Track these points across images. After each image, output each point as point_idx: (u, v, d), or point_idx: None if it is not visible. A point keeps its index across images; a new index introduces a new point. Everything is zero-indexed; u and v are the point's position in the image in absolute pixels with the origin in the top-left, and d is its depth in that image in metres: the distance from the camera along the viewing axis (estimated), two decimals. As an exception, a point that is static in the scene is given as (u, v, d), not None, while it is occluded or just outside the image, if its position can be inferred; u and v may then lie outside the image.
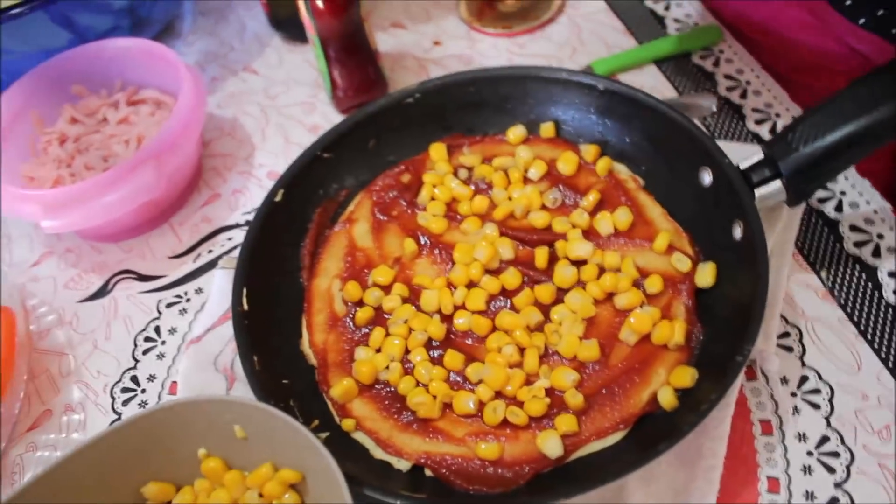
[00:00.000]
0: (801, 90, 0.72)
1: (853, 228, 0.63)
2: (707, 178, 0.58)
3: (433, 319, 0.58)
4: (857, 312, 0.59)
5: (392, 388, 0.56)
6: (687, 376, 0.51)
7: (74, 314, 0.69)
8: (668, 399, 0.51)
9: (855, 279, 0.60)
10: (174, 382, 0.63)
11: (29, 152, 0.75)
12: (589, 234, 0.60)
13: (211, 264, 0.69)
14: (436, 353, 0.57)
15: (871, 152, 0.52)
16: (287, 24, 0.85)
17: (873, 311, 0.59)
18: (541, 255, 0.59)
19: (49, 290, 0.71)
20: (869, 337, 0.57)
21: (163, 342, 0.65)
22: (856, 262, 0.61)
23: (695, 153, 0.58)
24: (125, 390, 0.63)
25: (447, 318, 0.58)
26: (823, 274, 0.61)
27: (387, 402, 0.55)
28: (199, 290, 0.68)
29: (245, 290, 0.58)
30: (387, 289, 0.60)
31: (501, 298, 0.59)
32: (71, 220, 0.65)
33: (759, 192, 0.54)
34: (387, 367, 0.56)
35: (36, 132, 0.76)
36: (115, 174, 0.64)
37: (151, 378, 0.63)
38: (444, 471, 0.51)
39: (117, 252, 0.72)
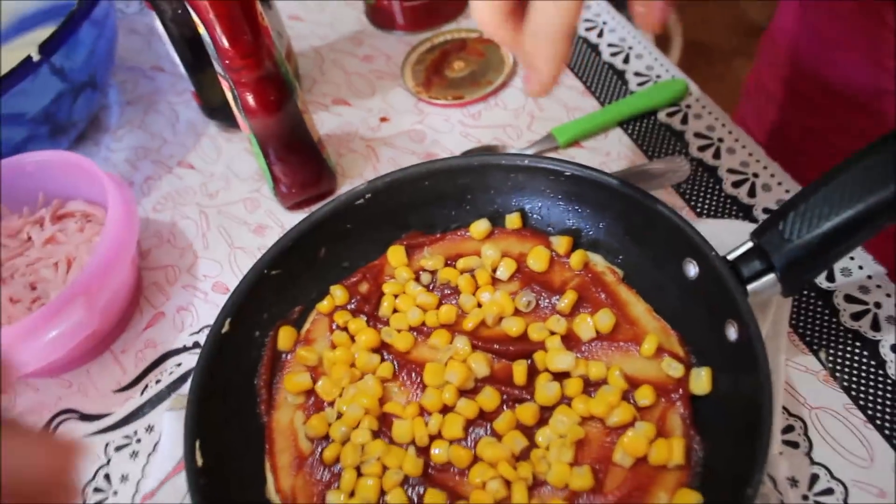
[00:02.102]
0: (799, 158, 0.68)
1: (848, 299, 0.59)
2: (693, 269, 0.53)
3: (408, 454, 0.53)
4: (861, 395, 0.54)
5: (369, 540, 0.50)
6: (691, 502, 0.47)
7: (13, 466, 0.62)
8: (673, 531, 0.46)
9: (856, 357, 0.56)
10: (130, 543, 0.57)
11: (-51, 283, 0.68)
12: (569, 339, 0.55)
13: (160, 396, 0.63)
14: (414, 492, 0.51)
15: (875, 235, 0.47)
16: (220, 112, 0.78)
17: (879, 393, 0.54)
18: (519, 371, 0.54)
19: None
20: (878, 423, 0.53)
21: (114, 492, 0.59)
22: (855, 337, 0.57)
23: (677, 244, 0.53)
24: (77, 556, 0.57)
25: (423, 451, 0.53)
26: (822, 354, 0.56)
27: (366, 554, 0.50)
28: (149, 428, 0.62)
29: (198, 443, 0.52)
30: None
31: (481, 422, 0.53)
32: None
33: (751, 287, 0.50)
34: (362, 515, 0.51)
35: (-45, 260, 0.69)
36: (41, 316, 0.58)
37: (104, 539, 0.57)
38: None
39: (56, 388, 0.66)
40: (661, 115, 0.72)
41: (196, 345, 0.66)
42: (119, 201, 0.64)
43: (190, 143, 0.80)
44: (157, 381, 0.64)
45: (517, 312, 0.57)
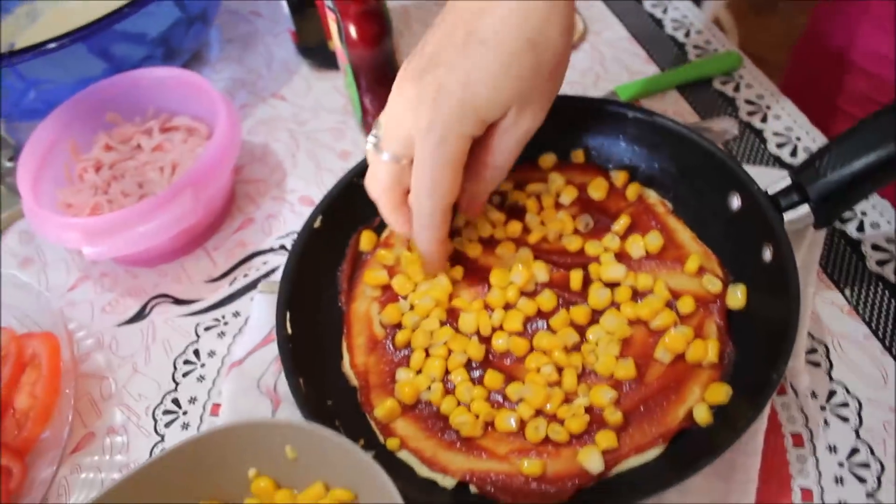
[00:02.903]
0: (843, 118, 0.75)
1: (875, 247, 0.65)
2: (735, 202, 0.60)
3: (472, 341, 0.60)
4: (881, 329, 0.61)
5: (434, 408, 0.57)
6: (722, 393, 0.53)
7: (113, 338, 0.70)
8: (703, 415, 0.53)
9: (878, 297, 0.62)
10: (216, 405, 0.64)
11: (65, 179, 0.76)
12: (621, 256, 0.62)
13: (247, 288, 0.71)
14: (476, 374, 0.59)
15: (896, 178, 0.54)
16: (314, 52, 0.87)
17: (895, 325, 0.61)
18: (575, 278, 0.61)
19: (86, 315, 0.72)
20: (895, 353, 0.59)
21: (202, 365, 0.67)
22: (878, 279, 0.63)
23: (723, 179, 0.60)
24: (167, 412, 0.64)
25: (485, 340, 0.60)
26: (847, 292, 0.63)
27: (429, 422, 0.57)
28: (236, 314, 0.70)
29: (289, 315, 0.60)
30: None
31: (538, 320, 0.60)
32: (112, 247, 0.67)
33: (787, 216, 0.56)
34: (428, 388, 0.58)
35: (72, 160, 0.77)
36: (154, 202, 0.66)
37: (192, 400, 0.65)
38: (489, 487, 0.53)
39: (152, 276, 0.74)
40: (716, 83, 0.79)
41: (282, 247, 0.73)
42: (225, 113, 0.72)
43: (283, 79, 0.89)
44: (245, 276, 0.72)
45: (576, 232, 0.64)
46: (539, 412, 0.55)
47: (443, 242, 0.58)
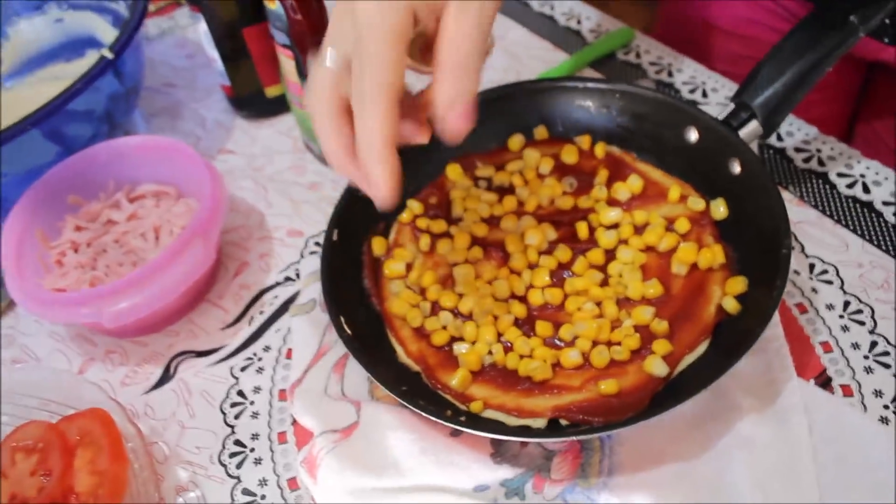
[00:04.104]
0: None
1: (797, 150, 0.78)
2: (693, 135, 0.70)
3: (512, 303, 0.66)
4: (826, 208, 0.73)
5: (501, 367, 0.63)
6: (740, 284, 0.62)
7: (146, 405, 0.69)
8: (732, 305, 0.62)
9: (815, 186, 0.75)
10: (280, 433, 0.66)
11: (43, 270, 0.75)
12: (611, 203, 0.71)
13: (269, 322, 0.73)
14: (526, 329, 0.65)
15: (821, 77, 0.66)
16: (249, 103, 0.90)
17: (837, 204, 0.73)
18: (581, 228, 0.69)
19: (106, 392, 0.71)
20: (843, 223, 0.71)
21: (251, 402, 0.68)
22: (808, 173, 0.76)
23: (676, 118, 0.70)
24: (233, 455, 0.65)
25: (523, 300, 0.66)
26: (791, 188, 0.75)
27: (501, 380, 0.62)
28: (266, 348, 0.71)
29: (342, 319, 0.63)
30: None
31: (562, 272, 0.67)
32: (132, 307, 0.67)
33: (742, 132, 0.67)
34: (489, 353, 0.63)
35: (44, 249, 0.76)
36: (168, 254, 0.67)
37: (255, 436, 0.66)
38: (578, 416, 0.59)
39: (164, 340, 0.74)
40: (619, 55, 0.91)
41: (287, 279, 0.76)
42: (201, 162, 0.74)
43: (223, 136, 0.91)
44: (261, 313, 0.74)
45: (565, 193, 0.72)
46: (596, 343, 0.62)
47: (390, 161, 0.51)
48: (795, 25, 0.68)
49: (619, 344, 0.62)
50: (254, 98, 0.88)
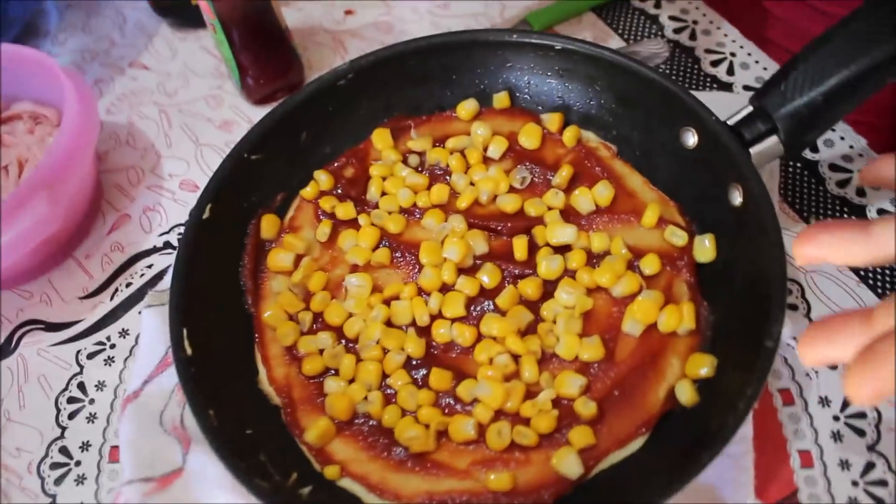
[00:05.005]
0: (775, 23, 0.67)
1: (833, 167, 0.59)
2: (691, 138, 0.52)
3: (409, 334, 0.51)
4: (854, 260, 0.55)
5: (375, 422, 0.49)
6: (705, 364, 0.46)
7: (-26, 382, 0.58)
8: (687, 395, 0.46)
9: (845, 223, 0.56)
10: (114, 447, 0.53)
11: None
12: (568, 214, 0.54)
13: (133, 299, 0.60)
14: (419, 374, 0.50)
15: (876, 91, 0.47)
16: (173, 9, 0.74)
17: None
18: (519, 246, 0.52)
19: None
20: (870, 282, 0.54)
21: (91, 401, 0.56)
22: (843, 203, 0.57)
23: (674, 112, 0.52)
24: (55, 466, 0.53)
25: (424, 331, 0.51)
26: (813, 221, 0.57)
27: (372, 440, 0.48)
28: (123, 333, 0.58)
29: (185, 332, 0.49)
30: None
31: (482, 301, 0.52)
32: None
33: (754, 150, 0.49)
34: (365, 398, 0.49)
35: None
36: (5, 207, 0.54)
37: (85, 446, 0.54)
38: (453, 513, 0.45)
39: (14, 300, 0.61)
40: (635, 1, 0.71)
41: (167, 245, 0.62)
42: (75, 91, 0.59)
43: (141, 44, 0.75)
44: (128, 285, 0.61)
45: (512, 190, 0.56)
46: (499, 413, 0.47)
47: None
48: (856, 10, 0.48)
49: (527, 422, 0.47)
50: (178, 3, 0.72)
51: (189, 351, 0.49)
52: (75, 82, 0.60)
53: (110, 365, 0.57)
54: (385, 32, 0.72)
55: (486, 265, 0.52)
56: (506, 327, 0.50)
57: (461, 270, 0.53)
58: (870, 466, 0.47)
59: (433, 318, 0.51)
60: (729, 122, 0.50)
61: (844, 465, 0.47)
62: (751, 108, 0.50)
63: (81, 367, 0.58)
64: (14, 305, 0.61)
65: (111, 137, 0.69)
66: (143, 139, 0.68)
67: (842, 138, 0.60)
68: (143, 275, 0.61)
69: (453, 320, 0.51)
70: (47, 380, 0.57)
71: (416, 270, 0.54)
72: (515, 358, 0.49)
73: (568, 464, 0.45)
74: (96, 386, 0.57)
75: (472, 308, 0.52)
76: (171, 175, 0.66)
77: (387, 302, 0.52)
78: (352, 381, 0.50)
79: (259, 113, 0.67)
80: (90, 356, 0.58)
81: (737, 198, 0.49)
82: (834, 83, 0.46)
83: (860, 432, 0.48)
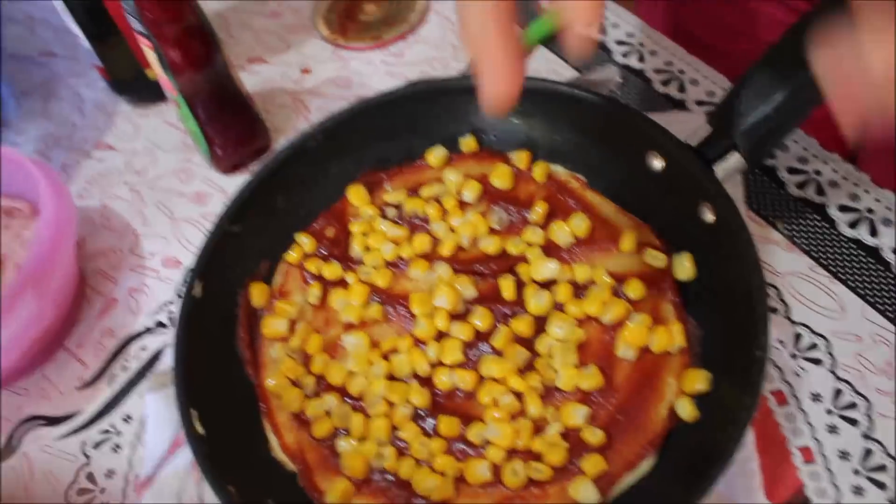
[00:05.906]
0: (718, 57, 0.70)
1: (791, 170, 0.62)
2: (657, 162, 0.54)
3: (412, 386, 0.52)
4: (822, 256, 0.58)
5: (392, 476, 0.50)
6: (700, 380, 0.48)
7: (-21, 487, 0.58)
8: (687, 411, 0.48)
9: (809, 223, 0.59)
10: (133, 534, 0.54)
11: None
12: (548, 249, 0.56)
13: (132, 383, 0.60)
14: (427, 424, 0.51)
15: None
16: (131, 86, 0.74)
17: (836, 250, 0.58)
18: (506, 286, 0.54)
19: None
20: (842, 277, 0.56)
21: (102, 490, 0.56)
22: (805, 203, 0.60)
23: (636, 139, 0.54)
24: (75, 561, 0.54)
25: (426, 382, 0.53)
26: (780, 225, 0.59)
27: (392, 494, 0.49)
28: (127, 419, 0.59)
29: (194, 413, 0.50)
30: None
31: (478, 344, 0.53)
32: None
33: (718, 168, 0.51)
34: (379, 453, 0.50)
35: None
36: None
37: (103, 537, 0.54)
38: (480, 553, 0.46)
39: (11, 399, 0.61)
40: (582, 28, 0.73)
41: (159, 324, 0.62)
42: (46, 181, 0.60)
43: (103, 124, 0.76)
44: (124, 369, 0.61)
45: (492, 231, 0.57)
46: (512, 452, 0.49)
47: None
48: (793, 25, 0.50)
49: (540, 457, 0.48)
50: (135, 81, 0.72)
51: (201, 430, 0.49)
52: (45, 173, 0.61)
53: (118, 452, 0.57)
54: (344, 87, 0.73)
55: (476, 309, 0.54)
56: (505, 367, 0.51)
57: (453, 316, 0.54)
58: (868, 453, 0.49)
59: (433, 366, 0.53)
60: (691, 143, 0.52)
61: (844, 455, 0.50)
62: (709, 128, 0.52)
63: (88, 457, 0.58)
64: (12, 404, 0.61)
65: (86, 222, 0.69)
66: (119, 220, 0.69)
67: (795, 142, 0.63)
68: (138, 357, 0.61)
69: (453, 367, 0.52)
70: (54, 475, 0.57)
71: (410, 321, 0.55)
72: (518, 396, 0.51)
73: (585, 492, 0.46)
74: (106, 475, 0.57)
75: (469, 352, 0.53)
76: (151, 254, 0.66)
77: (385, 356, 0.54)
78: (363, 438, 0.51)
79: (230, 182, 0.68)
80: (96, 446, 0.58)
81: (708, 216, 0.51)
82: (785, 94, 0.48)
83: (853, 422, 0.51)
